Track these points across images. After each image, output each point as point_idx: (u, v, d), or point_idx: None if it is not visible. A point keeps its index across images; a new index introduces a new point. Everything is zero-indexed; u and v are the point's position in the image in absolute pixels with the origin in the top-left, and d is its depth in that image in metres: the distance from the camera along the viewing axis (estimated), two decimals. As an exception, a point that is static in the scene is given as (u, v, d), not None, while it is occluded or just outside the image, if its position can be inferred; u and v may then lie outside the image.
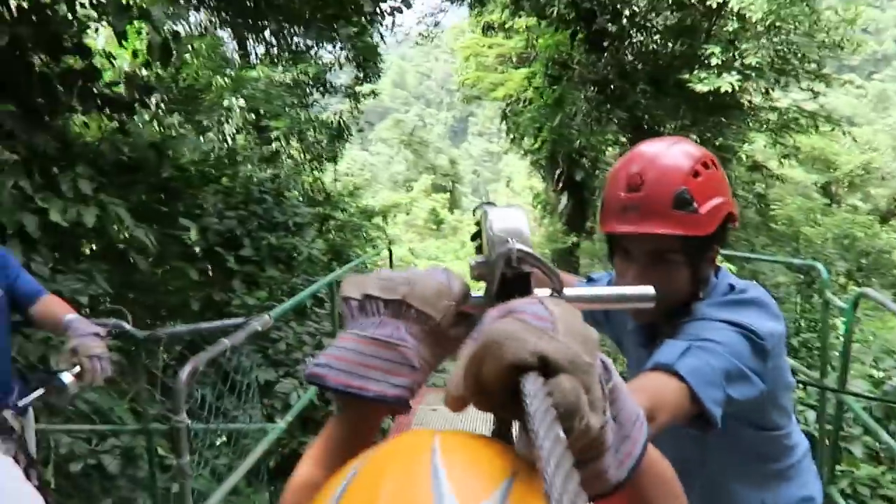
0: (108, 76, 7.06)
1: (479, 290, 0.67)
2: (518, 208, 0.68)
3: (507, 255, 0.62)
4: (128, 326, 2.26)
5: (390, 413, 0.67)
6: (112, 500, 3.42)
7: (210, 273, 5.82)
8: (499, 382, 0.42)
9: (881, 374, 4.44)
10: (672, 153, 1.24)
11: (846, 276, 13.01)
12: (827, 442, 2.76)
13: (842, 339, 2.59)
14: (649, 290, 0.71)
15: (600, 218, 1.32)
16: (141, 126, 6.40)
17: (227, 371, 2.76)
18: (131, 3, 4.02)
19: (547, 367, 0.41)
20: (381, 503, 0.37)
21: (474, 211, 0.95)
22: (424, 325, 0.63)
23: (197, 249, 5.66)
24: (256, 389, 2.97)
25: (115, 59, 7.00)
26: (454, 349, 0.66)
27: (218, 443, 3.31)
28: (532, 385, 0.39)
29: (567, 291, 0.66)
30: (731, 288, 1.29)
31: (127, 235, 4.90)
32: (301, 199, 8.24)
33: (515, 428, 0.47)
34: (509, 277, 0.63)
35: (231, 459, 2.77)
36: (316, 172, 12.13)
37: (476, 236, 0.87)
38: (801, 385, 4.07)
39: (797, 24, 9.94)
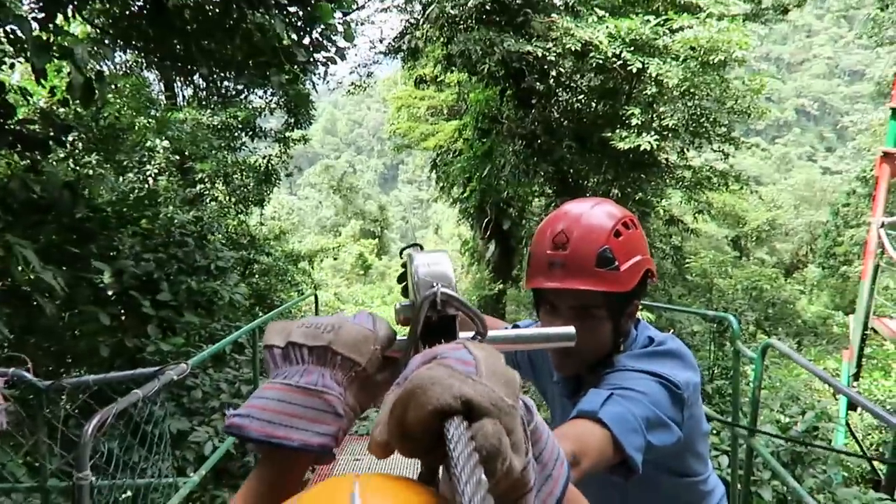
0: (22, 112, 6.77)
1: (404, 334, 0.67)
2: (443, 253, 0.69)
3: (433, 299, 0.62)
4: (28, 375, 2.11)
5: (314, 462, 0.65)
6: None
7: (123, 318, 5.53)
8: (423, 427, 0.42)
9: (787, 420, 4.66)
10: (595, 213, 1.30)
11: (755, 324, 13.71)
12: (739, 486, 2.86)
13: (752, 385, 2.72)
14: (570, 330, 0.73)
15: (527, 274, 1.36)
16: (55, 165, 6.13)
17: (136, 422, 2.60)
18: (52, 40, 3.89)
19: (471, 411, 0.41)
20: None
21: (401, 253, 0.96)
22: (350, 372, 0.62)
23: (110, 293, 5.38)
24: (168, 441, 2.80)
25: (30, 95, 6.73)
26: (380, 394, 0.66)
27: (122, 498, 3.10)
28: (455, 430, 0.40)
29: (491, 333, 0.66)
30: (651, 340, 1.35)
31: (32, 277, 4.63)
32: (224, 242, 8.03)
33: (441, 474, 0.47)
34: (434, 321, 0.63)
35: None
36: (241, 216, 11.89)
37: (402, 278, 0.88)
38: (714, 431, 4.22)
39: (709, 91, 10.64)
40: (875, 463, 6.60)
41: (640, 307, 1.49)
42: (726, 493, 2.92)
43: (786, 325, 14.91)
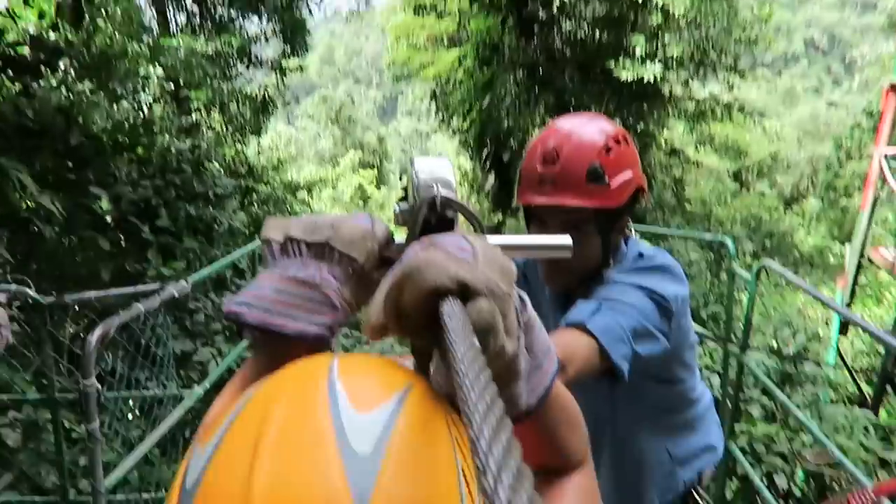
0: (10, 36, 6.59)
1: (403, 236, 0.67)
2: (444, 158, 0.69)
3: (432, 201, 0.62)
4: (31, 292, 2.14)
5: (310, 352, 0.66)
6: (14, 475, 3.25)
7: (123, 244, 5.56)
8: (419, 307, 0.42)
9: (779, 344, 4.76)
10: (587, 129, 1.29)
11: (752, 255, 13.79)
12: (729, 404, 2.94)
13: (745, 307, 2.76)
14: (567, 239, 0.73)
15: (517, 190, 1.36)
16: (48, 91, 6.01)
17: (139, 340, 2.65)
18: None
19: (466, 293, 0.42)
20: (277, 411, 0.36)
21: (401, 175, 0.95)
22: (347, 268, 0.63)
23: (108, 219, 5.38)
24: (171, 358, 2.87)
25: (18, 18, 6.54)
26: (375, 291, 0.67)
27: (130, 416, 3.19)
28: (450, 306, 0.40)
29: (489, 238, 0.66)
30: (640, 255, 1.37)
31: (31, 203, 4.61)
32: (222, 171, 7.97)
33: (434, 362, 0.47)
34: (433, 223, 0.63)
35: (143, 431, 2.68)
36: (238, 145, 11.75)
37: (406, 196, 0.88)
38: (707, 352, 4.33)
39: (716, 19, 10.38)
40: (862, 384, 6.78)
41: (638, 235, 1.50)
42: (717, 409, 3.00)
43: (783, 255, 15.00)
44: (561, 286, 1.41)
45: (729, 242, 3.00)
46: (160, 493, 2.84)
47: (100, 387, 1.73)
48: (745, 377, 2.99)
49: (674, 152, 14.29)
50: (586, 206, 1.26)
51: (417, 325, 0.44)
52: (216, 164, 7.32)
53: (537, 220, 1.34)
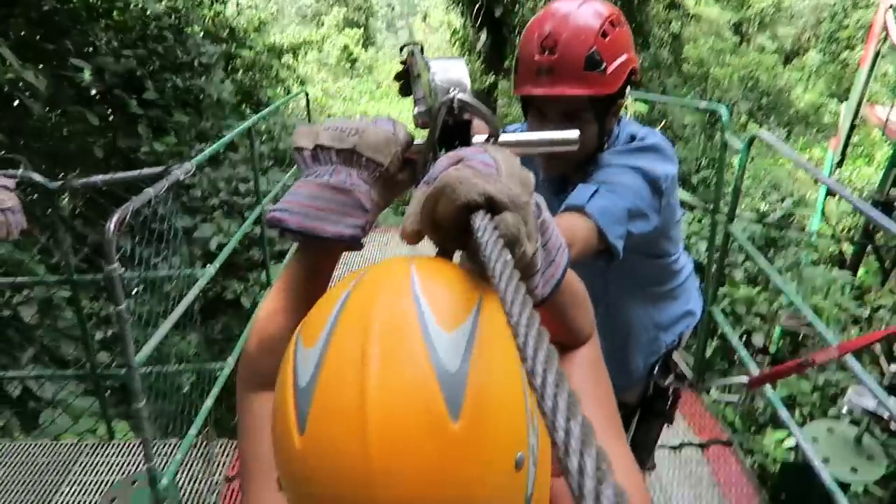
0: None
1: (422, 137, 0.71)
2: (459, 60, 0.72)
3: (449, 104, 0.66)
4: (37, 176, 2.16)
5: (345, 250, 0.73)
6: (34, 351, 3.44)
7: (111, 118, 5.45)
8: (451, 219, 0.49)
9: (767, 207, 4.88)
10: (583, 13, 1.28)
11: (748, 114, 13.64)
12: (714, 269, 3.08)
13: (735, 175, 2.82)
14: (574, 133, 0.78)
15: (515, 80, 1.37)
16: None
17: (145, 220, 2.71)
18: None
19: (492, 206, 0.48)
20: (374, 325, 0.43)
21: (401, 50, 0.97)
22: (374, 172, 0.68)
23: (94, 92, 5.24)
24: (182, 237, 2.95)
25: None
26: (400, 191, 0.74)
27: (135, 292, 3.33)
28: (481, 221, 0.47)
29: (501, 137, 0.71)
30: (632, 137, 1.41)
31: (12, 76, 4.46)
32: (203, 35, 7.62)
33: (457, 257, 0.55)
34: (450, 125, 0.67)
35: (152, 307, 2.82)
36: (217, 4, 11.10)
37: (401, 76, 0.90)
38: (697, 219, 4.44)
39: None
40: (844, 245, 7.02)
41: (634, 99, 1.53)
42: (702, 276, 3.16)
43: (779, 114, 14.82)
44: (558, 171, 1.46)
45: (723, 110, 3.00)
46: (179, 366, 3.04)
47: (122, 270, 1.82)
48: (730, 244, 3.11)
49: (672, 5, 13.62)
50: (585, 95, 1.28)
51: (450, 234, 0.51)
52: (197, 28, 6.98)
53: (535, 109, 1.37)
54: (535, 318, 0.36)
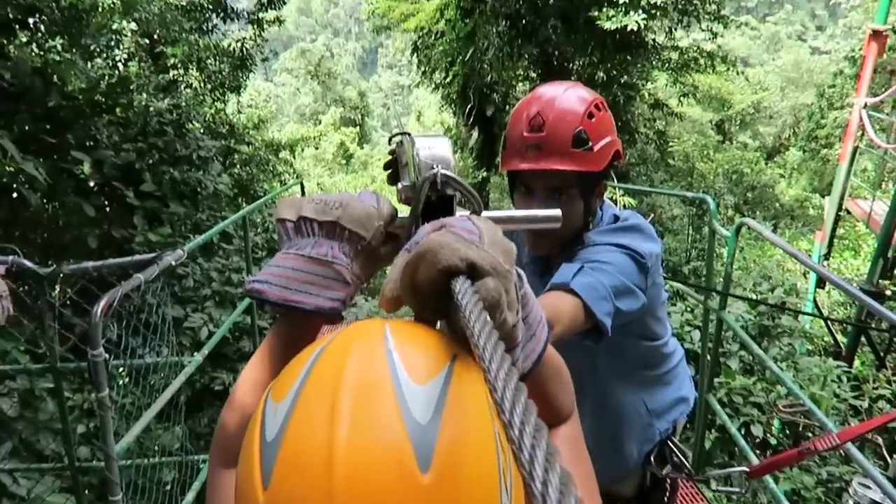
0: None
1: (406, 212, 0.73)
2: (443, 137, 0.74)
3: (433, 179, 0.67)
4: (28, 263, 2.16)
5: (326, 323, 0.72)
6: (13, 444, 3.32)
7: (108, 209, 5.52)
8: (432, 284, 0.49)
9: (758, 297, 4.90)
10: (568, 97, 1.34)
11: (734, 208, 13.96)
12: (708, 357, 3.05)
13: (725, 262, 2.85)
14: (556, 212, 0.80)
15: (503, 157, 1.42)
16: (22, 49, 5.86)
17: (132, 308, 2.69)
18: None
19: (474, 272, 0.48)
20: (346, 379, 0.42)
21: (390, 140, 1.00)
22: (356, 245, 0.68)
23: (92, 184, 5.33)
24: (171, 325, 2.91)
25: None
26: (382, 265, 0.74)
27: (121, 382, 3.25)
28: (462, 285, 0.46)
29: (484, 213, 0.72)
30: (616, 218, 1.45)
31: (12, 169, 4.55)
32: (203, 131, 7.86)
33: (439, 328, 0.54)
34: (434, 200, 0.68)
35: (137, 398, 2.75)
36: (218, 103, 11.53)
37: (389, 165, 0.92)
38: (688, 308, 4.45)
39: (700, -36, 10.22)
40: (837, 335, 7.00)
41: (622, 191, 1.57)
42: (696, 365, 3.12)
43: (764, 208, 15.19)
44: (544, 250, 1.48)
45: (710, 200, 3.07)
46: (162, 458, 2.92)
47: (107, 357, 1.78)
48: (724, 332, 3.10)
49: (657, 104, 14.23)
50: (572, 170, 1.32)
51: (429, 300, 0.50)
52: (197, 125, 7.22)
53: (523, 185, 1.40)
54: (514, 374, 0.35)
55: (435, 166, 0.68)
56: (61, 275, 2.11)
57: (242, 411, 0.68)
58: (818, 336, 6.29)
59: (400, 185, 0.75)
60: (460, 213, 0.70)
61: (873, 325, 5.91)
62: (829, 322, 6.89)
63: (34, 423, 3.60)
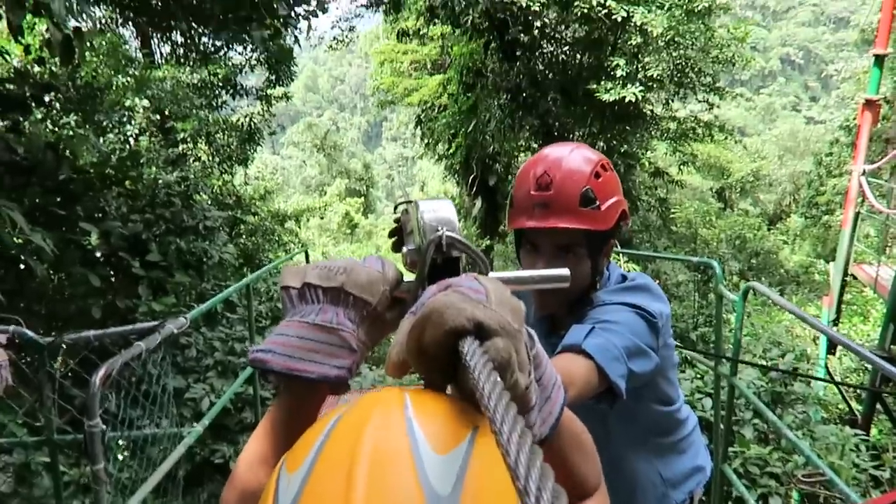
0: (-2, 73, 6.58)
1: (411, 277, 0.71)
2: (447, 200, 0.74)
3: (438, 242, 0.66)
4: (29, 332, 2.14)
5: (331, 392, 0.70)
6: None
7: (113, 279, 5.53)
8: (439, 346, 0.47)
9: (770, 362, 4.81)
10: (574, 157, 1.35)
11: (739, 275, 13.93)
12: (721, 425, 2.97)
13: (734, 328, 2.81)
14: (565, 271, 0.79)
15: (510, 216, 1.41)
16: (36, 125, 6.02)
17: (133, 378, 2.65)
18: (27, -6, 3.79)
19: (482, 332, 0.46)
20: (364, 447, 0.40)
21: (395, 208, 1.00)
22: (362, 310, 0.67)
23: (98, 254, 5.37)
24: (171, 395, 2.86)
25: (7, 53, 6.57)
26: (388, 331, 0.72)
27: (120, 457, 3.17)
28: (470, 346, 0.44)
29: (491, 274, 0.71)
30: (623, 277, 1.44)
31: (20, 240, 4.60)
32: (210, 202, 7.98)
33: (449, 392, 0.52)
34: (439, 263, 0.68)
35: (135, 472, 2.66)
36: (225, 176, 11.76)
37: (394, 232, 0.92)
38: (698, 375, 4.37)
39: (694, 40, 10.58)
40: (852, 402, 6.84)
41: (627, 257, 1.57)
42: (709, 434, 3.04)
43: (769, 274, 15.17)
44: (551, 309, 1.46)
45: (715, 265, 3.06)
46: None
47: (104, 427, 1.74)
48: (736, 399, 3.03)
49: (657, 173, 14.46)
50: (580, 228, 1.31)
51: (437, 363, 0.48)
52: (205, 196, 7.33)
53: (529, 244, 1.39)
54: (527, 437, 0.33)
55: (440, 228, 0.67)
56: (63, 345, 2.08)
57: (244, 488, 0.64)
58: (832, 403, 6.15)
59: (405, 250, 0.74)
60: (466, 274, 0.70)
61: (889, 391, 5.79)
62: (842, 389, 6.75)
63: (29, 499, 3.49)
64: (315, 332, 0.65)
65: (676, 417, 1.54)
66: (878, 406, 6.25)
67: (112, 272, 5.56)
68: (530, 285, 0.82)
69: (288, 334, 0.65)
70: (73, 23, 5.22)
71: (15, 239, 4.63)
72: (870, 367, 6.21)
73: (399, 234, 0.87)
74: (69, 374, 3.39)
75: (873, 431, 6.20)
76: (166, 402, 2.85)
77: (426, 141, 17.17)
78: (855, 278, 8.54)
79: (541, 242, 1.36)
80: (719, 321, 3.05)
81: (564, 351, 1.15)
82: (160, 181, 6.19)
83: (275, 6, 5.47)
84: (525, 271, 0.81)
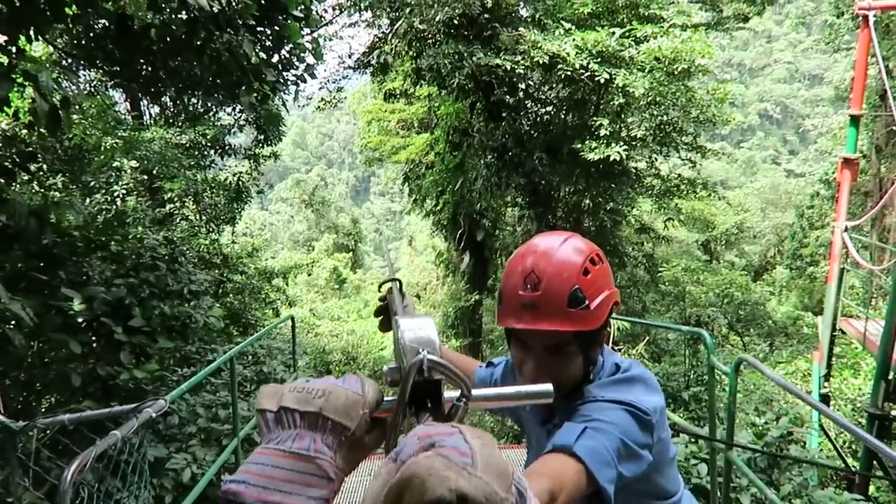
0: (-18, 139, 6.60)
1: (392, 393, 0.69)
2: (428, 317, 0.73)
3: (419, 365, 0.65)
4: (1, 417, 2.06)
5: None
6: None
7: (95, 345, 5.42)
8: None
9: (763, 423, 4.76)
10: (564, 250, 1.32)
11: (728, 327, 13.96)
12: (719, 493, 2.90)
13: (727, 400, 2.77)
14: (548, 387, 0.77)
15: (498, 312, 1.39)
16: (19, 188, 6.01)
17: (113, 458, 2.55)
18: (14, 64, 3.82)
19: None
20: None
21: (379, 287, 0.98)
22: (340, 436, 0.64)
23: (80, 320, 5.27)
24: (147, 475, 2.75)
25: (-7, 120, 6.60)
26: (367, 454, 0.69)
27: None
28: None
29: (475, 392, 0.69)
30: (617, 367, 1.40)
31: (-1, 308, 4.51)
32: (196, 263, 7.93)
33: None
34: (421, 384, 0.66)
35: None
36: (212, 235, 11.75)
37: (380, 312, 0.90)
38: (693, 440, 4.29)
39: (675, 100, 10.85)
40: (848, 458, 6.75)
41: (617, 320, 1.54)
42: (707, 501, 2.94)
43: (757, 325, 15.21)
44: (544, 405, 1.43)
45: (706, 336, 3.04)
46: None
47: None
48: (732, 468, 2.96)
49: (643, 228, 14.61)
50: (568, 331, 1.28)
51: None
52: (191, 256, 7.28)
53: (519, 341, 1.36)
54: None
55: (420, 350, 0.66)
56: (35, 428, 2.00)
57: None
58: (829, 462, 6.05)
59: (385, 369, 0.73)
60: (449, 394, 0.68)
61: (881, 476, 5.71)
62: (839, 448, 6.67)
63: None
64: (291, 460, 0.62)
65: (673, 512, 1.48)
66: (876, 464, 6.18)
67: (94, 338, 5.45)
68: (514, 401, 0.81)
69: (262, 463, 0.62)
70: (61, 92, 5.27)
71: (-6, 307, 4.54)
72: (865, 423, 6.15)
73: (385, 314, 0.85)
74: (49, 455, 3.27)
75: (871, 490, 6.10)
76: (144, 482, 2.73)
77: (414, 197, 17.35)
78: (843, 332, 8.56)
79: (530, 341, 1.33)
80: (712, 391, 3.01)
81: (555, 451, 1.12)
82: (145, 242, 6.14)
83: (263, 72, 5.55)
84: (508, 388, 0.80)
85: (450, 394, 0.68)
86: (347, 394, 0.66)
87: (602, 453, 1.11)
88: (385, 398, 0.69)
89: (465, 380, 0.67)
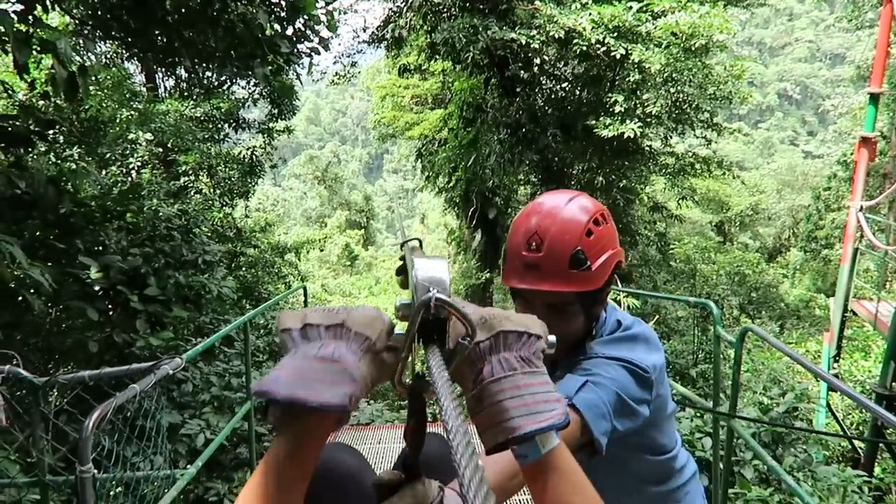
0: (1, 106, 6.67)
1: (403, 327, 0.73)
2: (441, 259, 0.76)
3: (428, 303, 0.68)
4: (23, 372, 2.14)
5: (332, 429, 0.70)
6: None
7: (111, 313, 5.52)
8: None
9: (769, 401, 4.77)
10: (569, 210, 1.33)
11: (739, 308, 13.90)
12: (721, 466, 2.94)
13: (731, 369, 2.79)
14: (550, 339, 0.81)
15: (503, 270, 1.42)
16: (37, 159, 6.07)
17: (130, 416, 2.62)
18: (32, 33, 3.86)
19: None
20: None
21: (401, 246, 1.01)
22: (362, 345, 0.70)
23: (97, 288, 5.36)
24: (165, 435, 2.83)
25: (12, 89, 6.66)
26: (387, 375, 0.74)
27: (112, 493, 3.12)
28: None
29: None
30: (619, 324, 1.43)
31: (19, 274, 4.60)
32: (210, 235, 8.00)
33: None
34: (429, 321, 0.70)
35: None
36: (226, 208, 11.83)
37: (400, 271, 0.94)
38: (698, 414, 4.33)
39: (691, 77, 10.70)
40: (855, 441, 6.76)
41: (627, 295, 1.57)
42: (709, 474, 2.99)
43: (769, 308, 15.14)
44: (548, 357, 1.46)
45: (712, 306, 3.06)
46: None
47: (95, 472, 1.72)
48: (736, 439, 3.00)
49: (656, 207, 14.52)
50: (569, 291, 1.31)
51: None
52: (205, 229, 7.35)
53: (522, 299, 1.39)
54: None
55: (431, 289, 0.69)
56: (56, 384, 2.07)
57: None
58: (835, 443, 6.07)
59: (398, 303, 0.75)
60: (454, 334, 0.71)
61: (889, 442, 5.72)
62: (844, 426, 6.67)
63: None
64: (317, 363, 0.66)
65: (671, 466, 1.52)
66: (881, 444, 6.18)
67: (110, 306, 5.55)
68: None
69: (290, 365, 0.66)
70: (79, 60, 5.31)
71: (14, 273, 4.63)
72: (873, 401, 6.15)
73: (405, 273, 0.89)
74: (62, 411, 3.36)
75: (877, 470, 6.11)
76: (160, 440, 2.82)
77: (426, 174, 17.30)
78: (855, 314, 8.51)
79: (533, 300, 1.36)
80: (717, 362, 3.03)
81: None
82: (160, 214, 6.22)
83: (277, 44, 5.55)
84: None
85: (455, 330, 0.72)
86: (367, 311, 0.73)
87: (599, 406, 1.16)
88: (396, 331, 0.74)
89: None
